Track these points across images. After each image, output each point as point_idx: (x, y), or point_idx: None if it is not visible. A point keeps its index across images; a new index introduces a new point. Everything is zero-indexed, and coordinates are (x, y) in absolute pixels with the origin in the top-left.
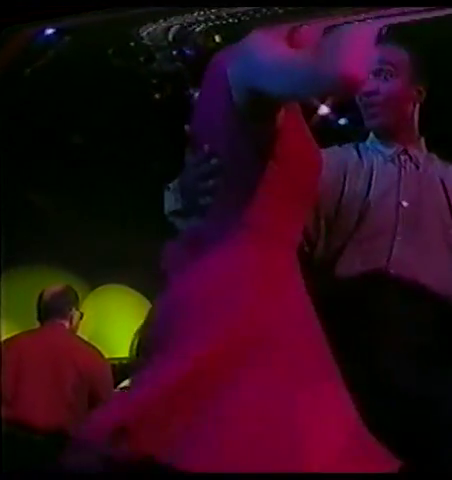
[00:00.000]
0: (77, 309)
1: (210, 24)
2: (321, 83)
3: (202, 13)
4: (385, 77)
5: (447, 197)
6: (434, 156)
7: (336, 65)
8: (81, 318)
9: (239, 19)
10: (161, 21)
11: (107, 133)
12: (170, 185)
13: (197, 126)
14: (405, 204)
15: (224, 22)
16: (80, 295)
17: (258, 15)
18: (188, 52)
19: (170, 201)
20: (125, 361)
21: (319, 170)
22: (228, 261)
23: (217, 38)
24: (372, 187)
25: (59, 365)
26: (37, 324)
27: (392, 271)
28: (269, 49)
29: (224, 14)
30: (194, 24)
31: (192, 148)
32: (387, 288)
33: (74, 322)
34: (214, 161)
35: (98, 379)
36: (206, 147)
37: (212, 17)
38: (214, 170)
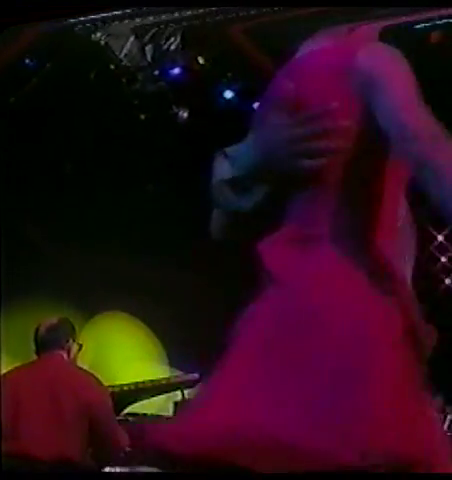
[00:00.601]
0: (74, 340)
1: (178, 38)
2: None
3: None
4: None
5: None
6: None
7: None
8: (80, 349)
9: (204, 20)
10: (131, 39)
11: (97, 158)
12: (228, 151)
13: (299, 85)
14: None
15: (190, 23)
16: (78, 324)
17: (221, 17)
18: (170, 71)
19: (224, 168)
20: (126, 388)
21: None
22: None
23: (200, 60)
24: None
25: (58, 395)
26: (35, 358)
27: None
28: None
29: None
30: (164, 40)
31: (286, 107)
32: None
33: (72, 354)
34: (328, 121)
35: (98, 407)
36: (319, 108)
37: (178, 25)
38: (328, 131)
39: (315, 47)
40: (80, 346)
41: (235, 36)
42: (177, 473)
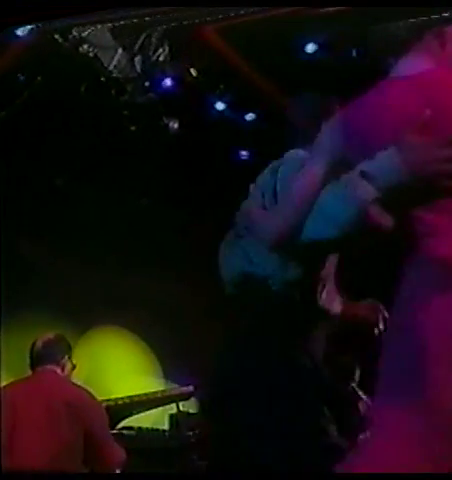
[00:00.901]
0: (69, 358)
1: (167, 48)
2: None
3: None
4: None
5: None
6: None
7: None
8: (73, 369)
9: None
10: (120, 51)
11: (90, 171)
12: (367, 171)
13: (432, 105)
14: None
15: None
16: (73, 338)
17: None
18: (162, 83)
19: (367, 189)
20: (121, 402)
21: None
22: None
23: (193, 71)
24: None
25: (53, 409)
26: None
27: None
28: None
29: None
30: (153, 50)
31: (422, 130)
32: None
33: (66, 370)
34: None
35: (92, 420)
36: None
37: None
38: None
39: (422, 64)
40: (74, 366)
41: (227, 47)
42: (177, 473)
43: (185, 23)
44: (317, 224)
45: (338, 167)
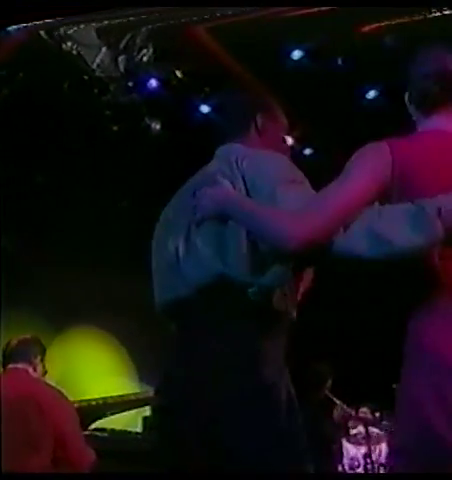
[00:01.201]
0: (42, 361)
1: (151, 49)
2: None
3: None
4: None
5: None
6: None
7: None
8: (44, 374)
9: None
10: (104, 49)
11: (70, 169)
12: (444, 211)
13: None
14: None
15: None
16: (48, 339)
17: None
18: (147, 83)
19: (440, 229)
20: (94, 403)
21: None
22: None
23: (178, 74)
24: None
25: (22, 407)
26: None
27: None
28: None
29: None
30: (137, 51)
31: None
32: None
33: (38, 371)
34: None
35: (62, 420)
36: None
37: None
38: None
39: None
40: (45, 371)
41: (213, 48)
42: (177, 473)
43: (171, 23)
44: (366, 243)
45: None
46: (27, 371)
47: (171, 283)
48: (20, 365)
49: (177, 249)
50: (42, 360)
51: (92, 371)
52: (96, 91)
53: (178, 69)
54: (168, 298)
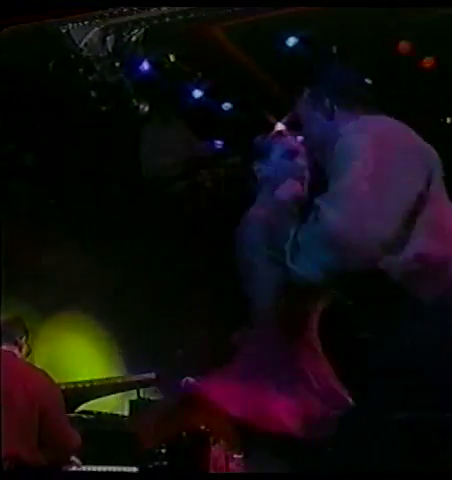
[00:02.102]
0: (26, 341)
1: (141, 30)
2: None
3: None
4: None
5: None
6: None
7: None
8: (29, 353)
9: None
10: (95, 28)
11: (58, 151)
12: None
13: None
14: None
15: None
16: (33, 323)
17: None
18: (139, 67)
19: None
20: (80, 385)
21: None
22: None
23: (171, 57)
24: None
25: (8, 390)
26: None
27: None
28: None
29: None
30: (127, 30)
31: None
32: None
33: (23, 351)
34: None
35: (48, 402)
36: None
37: (142, 21)
38: None
39: None
40: (29, 350)
41: (209, 35)
42: (180, 473)
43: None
44: None
45: None
46: (13, 353)
47: None
48: (5, 346)
49: None
50: (26, 340)
51: (79, 355)
52: (81, 71)
53: (171, 52)
54: None
